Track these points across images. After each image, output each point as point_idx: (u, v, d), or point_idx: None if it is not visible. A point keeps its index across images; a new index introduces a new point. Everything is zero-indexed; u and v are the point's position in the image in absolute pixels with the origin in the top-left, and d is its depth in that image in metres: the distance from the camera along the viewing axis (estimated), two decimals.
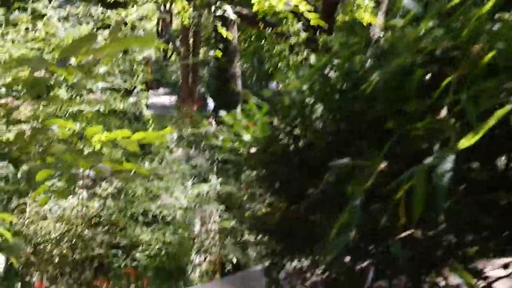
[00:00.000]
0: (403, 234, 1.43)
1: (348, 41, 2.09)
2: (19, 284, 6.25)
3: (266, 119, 2.18)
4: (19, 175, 6.27)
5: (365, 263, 1.83)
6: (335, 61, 2.05)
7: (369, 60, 1.98)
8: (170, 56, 27.57)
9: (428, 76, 1.69)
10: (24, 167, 6.22)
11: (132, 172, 3.94)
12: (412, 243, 1.54)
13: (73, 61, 3.55)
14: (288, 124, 2.04)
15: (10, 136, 4.02)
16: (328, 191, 1.48)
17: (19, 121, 3.66)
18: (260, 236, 2.47)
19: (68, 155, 3.60)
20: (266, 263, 2.49)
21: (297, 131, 2.02)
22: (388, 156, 1.51)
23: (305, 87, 2.06)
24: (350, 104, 1.84)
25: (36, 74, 3.59)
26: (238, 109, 2.24)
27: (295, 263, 2.31)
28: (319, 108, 1.98)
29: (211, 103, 15.08)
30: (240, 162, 2.57)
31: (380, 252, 1.72)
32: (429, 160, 1.37)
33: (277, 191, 2.23)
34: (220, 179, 7.16)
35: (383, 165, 1.49)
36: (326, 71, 2.00)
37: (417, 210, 1.31)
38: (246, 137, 2.24)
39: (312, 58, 2.10)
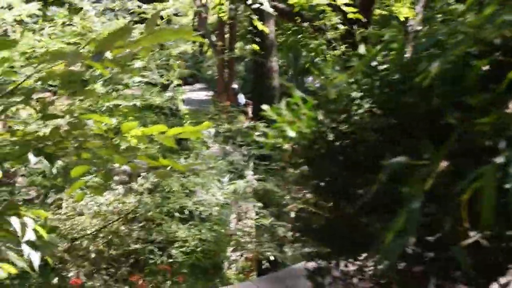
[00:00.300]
0: (470, 241, 1.30)
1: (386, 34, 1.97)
2: (56, 279, 6.24)
3: (312, 114, 2.06)
4: (54, 170, 6.24)
5: (420, 269, 1.71)
6: (384, 53, 1.93)
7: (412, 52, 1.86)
8: (206, 51, 27.60)
9: (488, 67, 1.56)
10: (60, 163, 6.20)
11: (169, 168, 3.86)
12: (476, 249, 1.41)
13: (108, 54, 3.47)
14: (334, 119, 1.92)
15: (46, 131, 3.96)
16: (380, 192, 1.36)
17: (54, 116, 3.60)
18: (303, 236, 2.35)
19: (104, 151, 3.53)
20: (308, 265, 2.37)
21: (343, 127, 1.90)
22: (447, 154, 1.39)
23: (352, 80, 1.94)
24: (402, 97, 1.71)
25: (72, 68, 3.53)
26: (282, 103, 2.12)
27: (341, 266, 2.19)
28: (367, 102, 1.86)
29: (242, 99, 14.99)
30: (283, 159, 2.45)
31: (440, 258, 1.60)
32: (499, 158, 1.23)
33: (322, 190, 2.12)
34: (257, 175, 7.06)
35: (444, 164, 1.36)
36: (374, 64, 1.88)
37: (488, 213, 1.18)
38: (291, 132, 2.12)
39: (362, 49, 1.97)
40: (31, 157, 3.14)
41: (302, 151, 2.11)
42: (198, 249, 6.64)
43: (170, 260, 6.69)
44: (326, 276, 2.20)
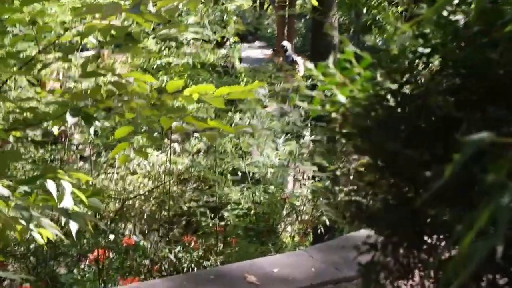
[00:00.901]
0: None
1: None
2: (113, 236, 6.15)
3: (368, 74, 1.74)
4: (91, 131, 6.10)
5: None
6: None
7: None
8: (267, 8, 27.20)
9: None
10: (106, 123, 6.07)
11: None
12: None
13: (151, 7, 3.22)
14: (396, 81, 1.61)
15: (87, 88, 3.77)
16: (453, 175, 1.06)
17: (95, 74, 3.41)
18: (355, 222, 2.07)
19: (149, 111, 3.32)
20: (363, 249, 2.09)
21: (407, 90, 1.60)
22: None
23: (418, 32, 1.62)
24: (483, 53, 1.40)
25: (114, 22, 3.30)
26: (330, 60, 1.79)
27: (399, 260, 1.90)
28: (437, 59, 1.56)
29: (291, 57, 14.58)
30: (331, 130, 2.15)
31: None
32: None
33: (378, 168, 1.83)
34: (313, 136, 6.76)
35: None
36: (446, 12, 1.56)
37: None
38: (341, 97, 1.81)
39: None
40: (69, 117, 2.96)
41: (354, 120, 1.81)
42: (252, 212, 6.45)
43: (223, 223, 6.52)
44: (380, 270, 1.91)
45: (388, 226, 1.78)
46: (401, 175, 1.73)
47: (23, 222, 2.59)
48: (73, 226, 2.73)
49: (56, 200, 2.78)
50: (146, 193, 6.64)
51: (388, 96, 1.64)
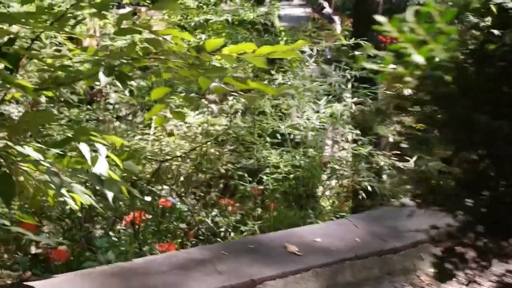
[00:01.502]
0: None
1: None
2: (149, 199, 6.04)
3: (452, 30, 1.50)
4: (126, 92, 5.94)
5: None
6: None
7: None
8: None
9: None
10: (142, 83, 5.90)
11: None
12: None
13: None
14: (486, 40, 1.37)
15: (121, 46, 3.59)
16: None
17: (131, 31, 3.21)
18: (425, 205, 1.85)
19: (187, 71, 3.13)
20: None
21: (497, 49, 1.36)
22: None
23: None
24: None
25: None
26: (409, 13, 1.54)
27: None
28: None
29: (328, 15, 14.17)
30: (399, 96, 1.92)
31: None
32: None
33: (457, 142, 1.60)
34: (355, 99, 6.50)
35: None
36: None
37: None
38: (418, 57, 1.57)
39: None
40: (102, 76, 2.79)
41: (431, 84, 1.57)
42: (291, 175, 6.26)
43: (261, 187, 6.34)
44: (457, 262, 1.70)
45: (464, 209, 1.56)
46: (483, 150, 1.50)
47: (53, 186, 2.45)
48: (109, 193, 2.58)
49: (90, 164, 2.63)
50: (183, 155, 6.48)
51: (474, 57, 1.40)
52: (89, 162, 2.64)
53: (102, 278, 2.95)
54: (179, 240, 5.79)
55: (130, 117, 7.17)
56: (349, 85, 7.07)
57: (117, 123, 7.18)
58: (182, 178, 6.67)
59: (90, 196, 2.60)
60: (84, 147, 2.67)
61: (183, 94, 3.71)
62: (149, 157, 6.37)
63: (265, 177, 6.32)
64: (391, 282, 3.36)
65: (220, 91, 3.27)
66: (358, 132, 6.10)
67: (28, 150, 2.55)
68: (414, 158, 6.60)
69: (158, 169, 6.49)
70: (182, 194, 6.65)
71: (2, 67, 2.67)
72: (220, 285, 2.99)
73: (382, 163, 6.03)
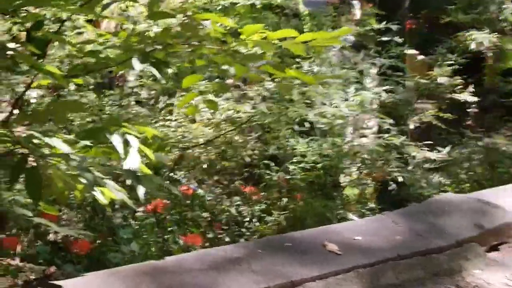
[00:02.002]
0: None
1: None
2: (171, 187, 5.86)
3: None
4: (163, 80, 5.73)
5: None
6: None
7: None
8: None
9: None
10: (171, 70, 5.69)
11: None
12: None
13: None
14: None
15: (156, 32, 3.41)
16: None
17: (164, 14, 3.02)
18: None
19: (221, 57, 2.94)
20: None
21: None
22: None
23: None
24: None
25: None
26: None
27: None
28: None
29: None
30: None
31: None
32: None
33: None
34: (387, 87, 6.27)
35: None
36: None
37: None
38: None
39: None
40: (136, 63, 2.60)
41: None
42: (319, 165, 6.06)
43: (288, 177, 6.15)
44: None
45: None
46: None
47: (84, 181, 2.26)
48: (141, 190, 2.40)
49: (122, 157, 2.45)
50: (207, 142, 6.30)
51: None
52: (122, 155, 2.45)
53: (132, 277, 2.78)
54: (202, 230, 5.63)
55: (151, 102, 6.98)
56: (375, 73, 6.86)
57: (138, 108, 7.01)
58: (205, 166, 6.49)
59: (124, 193, 2.42)
60: (116, 139, 2.49)
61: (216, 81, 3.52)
62: (172, 144, 6.19)
63: (291, 167, 6.13)
64: (436, 284, 3.17)
65: (256, 79, 3.10)
66: (391, 121, 5.88)
67: (56, 141, 2.37)
68: (447, 149, 6.42)
69: (181, 156, 6.32)
70: (205, 183, 6.49)
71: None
72: (257, 286, 2.82)
73: (413, 154, 5.81)
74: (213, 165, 6.46)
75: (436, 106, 7.52)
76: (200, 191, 6.09)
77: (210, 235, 5.58)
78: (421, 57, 9.01)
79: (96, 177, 2.25)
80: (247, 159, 6.26)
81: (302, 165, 6.05)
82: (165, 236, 5.04)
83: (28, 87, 2.63)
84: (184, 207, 5.69)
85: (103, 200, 2.53)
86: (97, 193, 2.46)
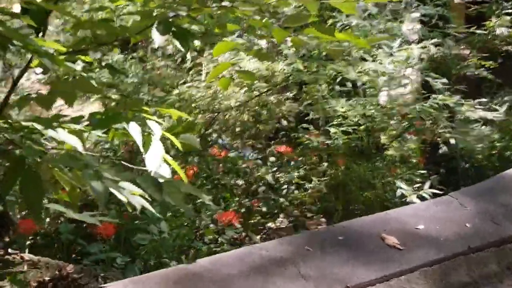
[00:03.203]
0: None
1: None
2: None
3: None
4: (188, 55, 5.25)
5: None
6: None
7: None
8: None
9: None
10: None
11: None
12: None
13: None
14: None
15: None
16: None
17: None
18: None
19: (258, 21, 2.47)
20: None
21: None
22: None
23: None
24: None
25: None
26: None
27: None
28: None
29: None
30: None
31: None
32: None
33: None
34: (435, 39, 5.66)
35: None
36: None
37: None
38: None
39: None
40: (155, 34, 2.12)
41: None
42: (361, 127, 5.55)
43: (328, 142, 5.67)
44: None
45: None
46: None
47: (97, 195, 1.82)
48: (157, 195, 1.93)
49: (141, 149, 1.99)
50: (239, 104, 5.82)
51: None
52: (141, 147, 2.00)
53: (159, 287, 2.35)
54: (237, 199, 5.21)
55: (178, 61, 6.50)
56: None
57: (162, 63, 6.52)
58: (238, 129, 6.04)
59: (144, 199, 1.96)
60: (134, 128, 2.03)
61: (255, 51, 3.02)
62: (202, 107, 5.73)
63: (332, 129, 5.63)
64: None
65: (299, 44, 2.61)
66: (444, 80, 5.29)
67: (62, 134, 1.92)
68: (505, 107, 5.84)
69: (213, 119, 5.87)
70: (239, 147, 6.05)
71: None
72: None
73: (468, 114, 5.25)
74: (247, 128, 6.00)
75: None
76: (234, 155, 5.66)
77: (246, 203, 5.17)
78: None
79: (108, 185, 1.79)
80: (284, 123, 5.78)
81: (343, 128, 5.54)
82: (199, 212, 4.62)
83: (27, 66, 2.16)
84: (218, 177, 5.26)
85: (123, 199, 2.05)
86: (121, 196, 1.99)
